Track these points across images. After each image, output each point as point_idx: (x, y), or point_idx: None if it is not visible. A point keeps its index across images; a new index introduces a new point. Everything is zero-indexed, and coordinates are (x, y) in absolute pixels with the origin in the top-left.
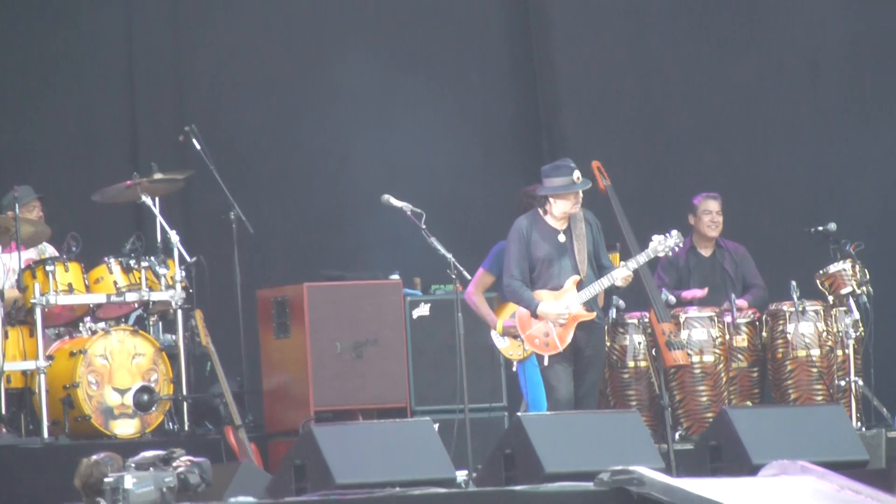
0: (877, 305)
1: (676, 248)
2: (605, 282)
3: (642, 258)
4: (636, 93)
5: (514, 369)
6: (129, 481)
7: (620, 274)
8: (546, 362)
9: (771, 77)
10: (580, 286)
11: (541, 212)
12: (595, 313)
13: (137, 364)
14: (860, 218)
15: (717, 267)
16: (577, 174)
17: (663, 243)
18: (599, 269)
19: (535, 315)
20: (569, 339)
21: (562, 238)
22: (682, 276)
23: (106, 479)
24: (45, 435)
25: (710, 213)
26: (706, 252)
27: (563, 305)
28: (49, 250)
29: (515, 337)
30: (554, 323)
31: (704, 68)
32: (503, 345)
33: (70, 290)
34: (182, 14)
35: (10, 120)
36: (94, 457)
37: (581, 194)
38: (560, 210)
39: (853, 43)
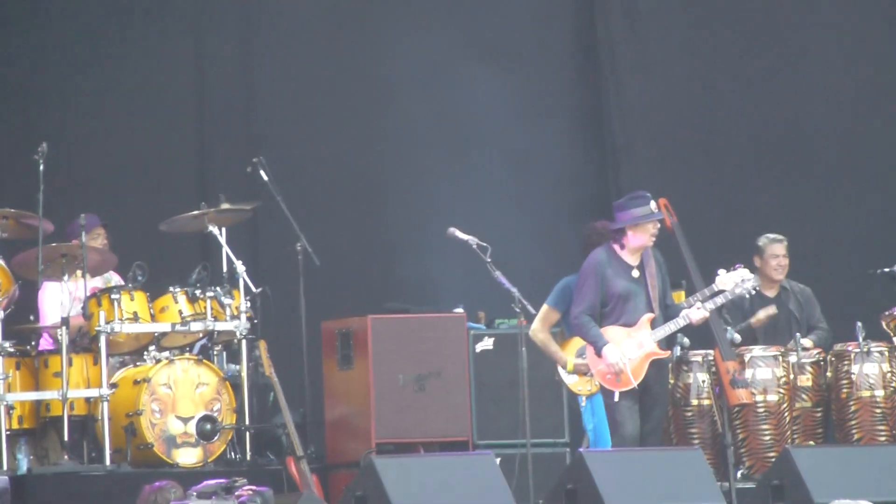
0: None
1: (754, 291)
2: (680, 321)
3: (720, 300)
4: (702, 133)
5: (584, 404)
6: None
7: (696, 315)
8: (616, 398)
9: (838, 117)
10: (653, 324)
11: (616, 247)
12: (670, 352)
13: (201, 393)
14: None
15: (782, 308)
16: (653, 204)
17: (741, 286)
18: (664, 308)
19: (598, 354)
20: (643, 375)
21: (635, 274)
22: (747, 317)
23: None
24: (108, 462)
25: (777, 256)
26: (771, 293)
27: (633, 345)
28: (115, 279)
29: (585, 374)
30: (631, 356)
31: (771, 108)
32: (572, 381)
33: (135, 318)
34: (251, 47)
35: (79, 149)
36: (157, 484)
37: (658, 227)
38: (638, 242)
39: None
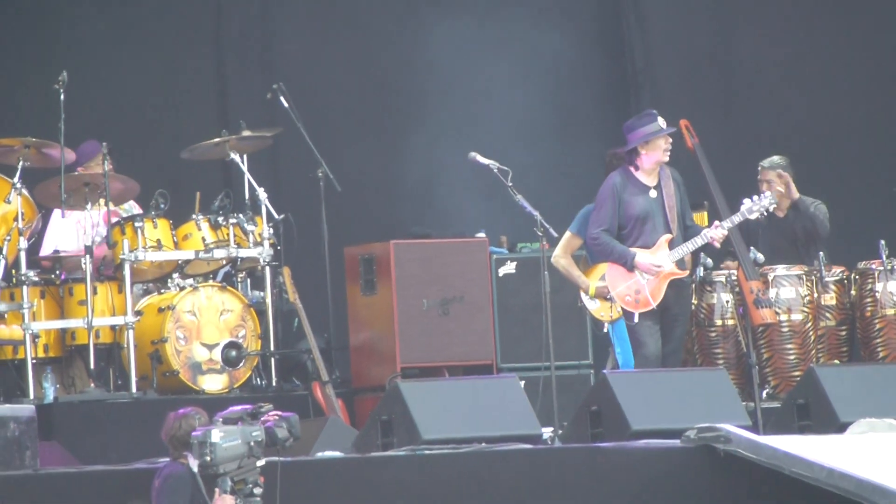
0: None
1: (771, 209)
2: (699, 241)
3: (737, 218)
4: (724, 53)
5: (605, 330)
6: (216, 435)
7: (716, 234)
8: (636, 319)
9: (862, 35)
10: (672, 244)
11: (631, 169)
12: (687, 271)
13: (225, 320)
14: None
15: (786, 230)
16: (661, 120)
17: (758, 203)
18: (684, 228)
19: (630, 267)
20: (661, 296)
21: (653, 194)
22: (750, 235)
23: (193, 433)
24: (134, 390)
25: (760, 182)
26: (780, 213)
27: (658, 260)
28: (133, 209)
29: (607, 299)
30: (649, 277)
31: (792, 27)
32: (594, 306)
33: (159, 246)
34: None
35: (99, 78)
36: (182, 411)
37: (671, 142)
38: (652, 160)
39: None
